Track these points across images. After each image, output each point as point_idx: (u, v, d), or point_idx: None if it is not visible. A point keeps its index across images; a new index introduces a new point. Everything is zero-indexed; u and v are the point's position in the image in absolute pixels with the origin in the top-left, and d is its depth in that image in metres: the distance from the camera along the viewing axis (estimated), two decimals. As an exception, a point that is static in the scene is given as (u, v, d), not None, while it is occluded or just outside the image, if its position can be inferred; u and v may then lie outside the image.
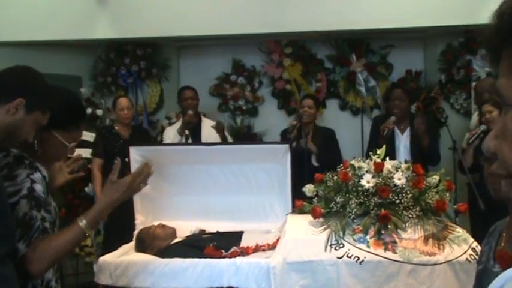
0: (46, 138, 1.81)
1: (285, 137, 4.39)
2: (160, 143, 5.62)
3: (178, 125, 4.78)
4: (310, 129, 4.40)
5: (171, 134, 4.72)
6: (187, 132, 4.56)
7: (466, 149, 4.06)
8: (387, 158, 2.99)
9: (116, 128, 4.68)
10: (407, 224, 2.72)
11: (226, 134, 4.77)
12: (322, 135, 4.44)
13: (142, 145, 3.74)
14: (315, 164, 4.16)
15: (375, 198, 2.75)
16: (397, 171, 2.85)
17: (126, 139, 4.57)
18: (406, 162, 3.03)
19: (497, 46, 0.68)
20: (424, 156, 4.08)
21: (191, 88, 4.93)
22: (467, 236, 2.71)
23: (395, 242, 2.66)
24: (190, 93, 4.81)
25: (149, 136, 5.26)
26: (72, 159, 2.23)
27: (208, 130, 4.68)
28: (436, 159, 4.25)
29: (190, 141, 4.56)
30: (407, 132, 4.29)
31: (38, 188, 1.66)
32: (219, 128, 4.62)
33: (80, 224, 1.71)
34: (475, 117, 4.44)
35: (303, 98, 4.65)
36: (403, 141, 4.27)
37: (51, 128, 1.80)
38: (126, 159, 4.36)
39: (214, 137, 4.59)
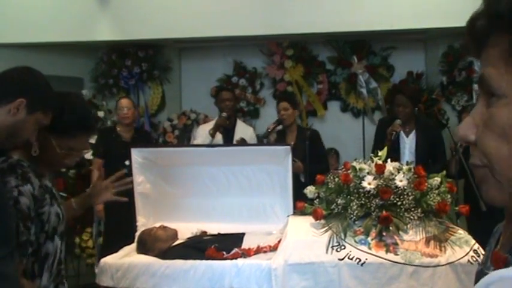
0: (41, 140, 1.77)
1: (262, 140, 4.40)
2: (163, 144, 5.65)
3: (213, 123, 4.67)
4: (293, 130, 4.38)
5: (203, 132, 4.62)
6: (219, 135, 4.47)
7: (453, 155, 4.07)
8: (388, 160, 2.99)
9: (118, 129, 4.67)
10: (408, 226, 2.72)
11: None
12: (308, 137, 4.39)
13: (143, 147, 3.74)
14: (302, 180, 4.03)
15: (376, 200, 2.75)
16: (398, 172, 2.85)
17: (127, 141, 4.57)
18: (407, 163, 3.03)
19: (484, 32, 0.66)
20: (429, 157, 4.12)
21: (229, 90, 4.91)
22: (469, 237, 2.71)
23: (396, 244, 2.66)
24: (228, 94, 4.75)
25: (151, 138, 5.25)
26: (120, 180, 2.21)
27: (242, 134, 4.62)
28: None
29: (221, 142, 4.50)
30: (412, 135, 4.28)
31: (24, 201, 1.64)
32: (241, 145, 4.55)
33: None
34: None
35: (278, 102, 4.55)
36: (408, 143, 4.26)
37: (48, 130, 1.77)
38: (127, 162, 4.39)
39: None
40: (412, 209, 2.75)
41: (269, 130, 4.32)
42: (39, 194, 1.70)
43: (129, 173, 4.28)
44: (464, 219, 3.78)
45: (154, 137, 5.88)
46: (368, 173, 2.84)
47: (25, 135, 1.69)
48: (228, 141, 4.53)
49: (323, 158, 4.38)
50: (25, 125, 1.67)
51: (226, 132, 4.61)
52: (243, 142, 4.53)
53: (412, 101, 4.28)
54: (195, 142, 4.69)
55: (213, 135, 4.42)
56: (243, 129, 4.75)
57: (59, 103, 1.78)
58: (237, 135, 4.62)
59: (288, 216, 3.15)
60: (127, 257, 3.11)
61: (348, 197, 2.81)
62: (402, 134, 4.28)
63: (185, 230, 3.47)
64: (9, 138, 1.67)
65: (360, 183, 2.80)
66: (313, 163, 4.03)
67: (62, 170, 4.46)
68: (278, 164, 3.43)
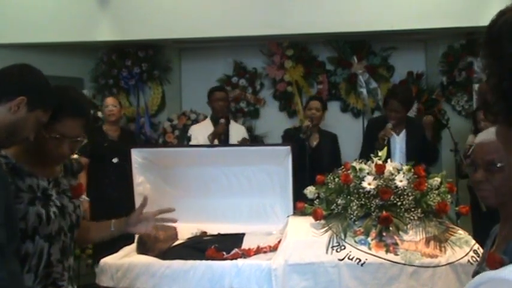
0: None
1: (287, 135, 4.39)
2: (163, 144, 5.64)
3: (205, 124, 4.68)
4: (315, 132, 4.39)
5: (199, 135, 4.56)
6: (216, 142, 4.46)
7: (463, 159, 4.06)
8: (389, 160, 2.99)
9: (105, 128, 4.68)
10: (408, 226, 2.72)
11: None
12: (329, 140, 4.44)
13: (144, 147, 3.74)
14: None
15: (376, 200, 2.75)
16: (398, 173, 2.85)
17: (114, 140, 4.59)
18: (407, 164, 3.03)
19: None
20: (419, 157, 4.08)
21: (222, 89, 4.89)
22: (469, 238, 2.71)
23: (396, 244, 2.66)
24: (221, 94, 4.71)
25: (136, 139, 5.25)
26: (163, 218, 2.17)
27: (236, 134, 4.61)
28: (435, 157, 4.26)
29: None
30: (402, 134, 4.26)
31: None
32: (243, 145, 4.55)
33: None
34: None
35: (310, 100, 4.61)
36: (398, 143, 4.22)
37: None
38: (114, 160, 4.42)
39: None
40: (412, 209, 2.75)
41: (308, 127, 4.27)
42: None
43: (118, 171, 4.34)
44: (470, 219, 3.79)
45: (154, 137, 5.89)
46: (368, 173, 2.84)
47: (25, 133, 1.68)
48: (224, 142, 4.54)
49: (339, 161, 4.42)
50: (25, 123, 1.67)
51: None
52: (244, 142, 4.54)
53: (405, 106, 4.19)
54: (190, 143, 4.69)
55: (211, 142, 4.42)
56: (236, 130, 4.73)
57: (58, 100, 1.78)
58: (231, 136, 4.63)
59: (288, 216, 3.15)
60: (127, 257, 3.11)
61: (348, 197, 2.81)
62: (393, 133, 4.26)
63: (185, 230, 3.47)
64: (9, 136, 1.67)
65: (360, 183, 2.80)
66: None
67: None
68: (278, 164, 3.43)
